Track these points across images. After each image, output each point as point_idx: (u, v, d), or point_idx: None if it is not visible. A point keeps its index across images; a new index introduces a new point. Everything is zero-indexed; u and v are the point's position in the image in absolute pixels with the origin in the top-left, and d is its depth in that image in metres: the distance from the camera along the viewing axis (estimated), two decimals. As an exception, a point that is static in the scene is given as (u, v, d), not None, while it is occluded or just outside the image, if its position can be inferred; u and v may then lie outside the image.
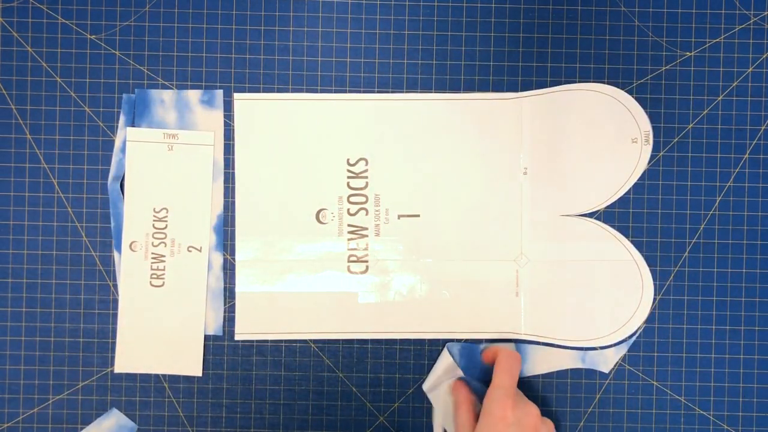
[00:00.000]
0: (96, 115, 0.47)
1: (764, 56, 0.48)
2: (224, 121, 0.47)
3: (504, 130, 0.47)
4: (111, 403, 0.47)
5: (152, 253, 0.46)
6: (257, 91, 0.47)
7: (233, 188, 0.47)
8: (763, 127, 0.48)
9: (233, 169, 0.47)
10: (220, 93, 0.47)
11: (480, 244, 0.47)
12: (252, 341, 0.47)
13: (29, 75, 0.47)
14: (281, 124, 0.47)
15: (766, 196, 0.48)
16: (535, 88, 0.47)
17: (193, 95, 0.47)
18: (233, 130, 0.47)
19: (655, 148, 0.47)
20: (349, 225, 0.47)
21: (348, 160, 0.47)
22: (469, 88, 0.47)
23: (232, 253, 0.47)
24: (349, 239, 0.47)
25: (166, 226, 0.46)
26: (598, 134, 0.47)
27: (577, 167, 0.47)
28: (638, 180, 0.47)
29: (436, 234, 0.47)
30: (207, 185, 0.46)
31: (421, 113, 0.47)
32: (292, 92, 0.47)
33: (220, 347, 0.47)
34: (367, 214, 0.47)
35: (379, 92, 0.47)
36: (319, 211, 0.47)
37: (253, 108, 0.47)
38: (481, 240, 0.47)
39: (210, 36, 0.47)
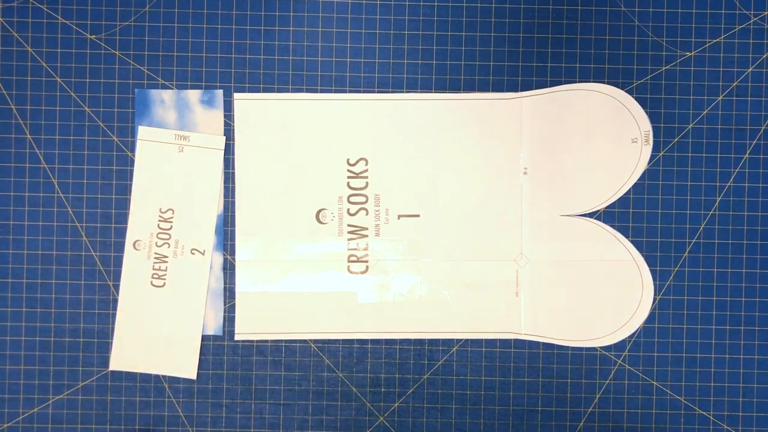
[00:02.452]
0: (96, 115, 0.47)
1: (764, 56, 0.48)
2: (224, 121, 0.47)
3: (504, 130, 0.47)
4: (111, 403, 0.47)
5: (155, 253, 0.46)
6: (257, 91, 0.47)
7: (233, 188, 0.47)
8: (763, 127, 0.48)
9: (233, 169, 0.47)
10: (220, 93, 0.47)
11: (480, 244, 0.47)
12: (252, 341, 0.47)
13: (29, 75, 0.47)
14: (281, 124, 0.47)
15: (766, 196, 0.48)
16: (535, 88, 0.47)
17: (193, 95, 0.47)
18: (233, 130, 0.47)
19: (655, 148, 0.47)
20: (349, 225, 0.47)
21: (348, 160, 0.47)
22: (469, 88, 0.47)
23: (232, 253, 0.47)
24: (349, 239, 0.47)
25: (171, 227, 0.46)
26: (598, 134, 0.47)
27: (577, 167, 0.47)
28: (638, 180, 0.47)
29: (436, 234, 0.47)
30: (215, 189, 0.46)
31: (421, 113, 0.47)
32: (292, 92, 0.47)
33: (220, 347, 0.47)
34: (367, 214, 0.47)
35: (379, 92, 0.47)
36: (319, 211, 0.47)
37: (253, 108, 0.47)
38: (481, 240, 0.47)
39: (210, 36, 0.47)
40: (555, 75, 0.47)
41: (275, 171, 0.47)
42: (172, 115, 0.47)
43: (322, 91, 0.47)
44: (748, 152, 0.48)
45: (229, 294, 0.47)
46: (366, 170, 0.47)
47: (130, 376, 0.47)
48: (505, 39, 0.48)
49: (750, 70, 0.48)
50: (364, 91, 0.47)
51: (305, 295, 0.47)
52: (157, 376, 0.47)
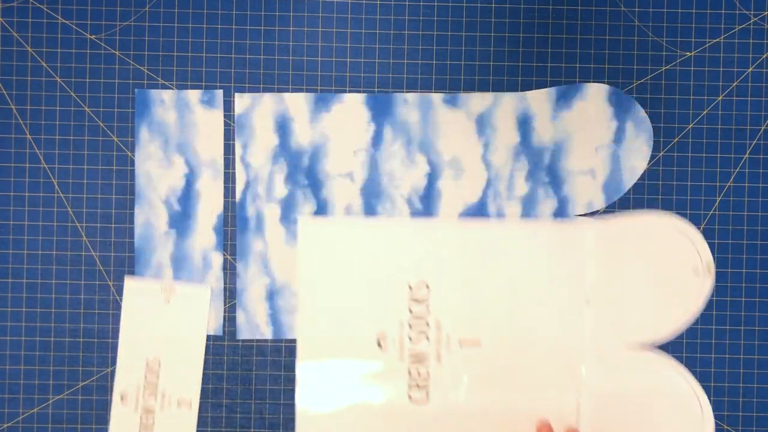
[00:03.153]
0: (96, 115, 0.47)
1: (764, 56, 0.48)
2: (224, 121, 0.47)
3: (567, 259, 0.46)
4: (111, 403, 0.47)
5: (142, 406, 0.46)
6: (257, 90, 0.47)
7: (233, 188, 0.47)
8: (763, 127, 0.48)
9: (233, 169, 0.47)
10: (220, 93, 0.47)
11: (541, 374, 0.46)
12: (252, 341, 0.47)
13: (29, 75, 0.47)
14: (344, 247, 0.47)
15: (766, 196, 0.48)
16: (536, 88, 0.47)
17: (193, 95, 0.47)
18: (233, 131, 0.47)
19: (655, 148, 0.47)
20: (409, 351, 0.46)
21: (409, 284, 0.47)
22: (469, 88, 0.47)
23: (233, 253, 0.47)
24: (409, 366, 0.46)
25: (157, 378, 0.46)
26: (660, 264, 0.46)
27: (639, 297, 0.46)
28: (638, 180, 0.47)
29: (498, 362, 0.46)
30: (201, 339, 0.47)
31: (483, 238, 0.47)
32: (293, 90, 0.47)
33: (220, 347, 0.47)
34: (428, 340, 0.46)
35: (442, 218, 0.47)
36: (379, 336, 0.46)
37: (317, 229, 0.47)
38: (543, 369, 0.46)
39: (210, 36, 0.47)
40: (555, 75, 0.47)
41: (337, 294, 0.46)
42: (172, 115, 0.47)
43: (322, 91, 0.47)
44: (748, 152, 0.48)
45: (229, 294, 0.47)
46: (427, 295, 0.46)
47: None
48: (505, 39, 0.48)
49: (750, 70, 0.48)
50: (365, 91, 0.47)
51: (364, 421, 0.46)
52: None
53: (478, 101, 0.47)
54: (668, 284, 0.46)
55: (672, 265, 0.46)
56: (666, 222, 0.46)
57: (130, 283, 0.46)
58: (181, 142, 0.47)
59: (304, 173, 0.47)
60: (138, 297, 0.46)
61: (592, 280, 0.46)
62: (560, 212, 0.47)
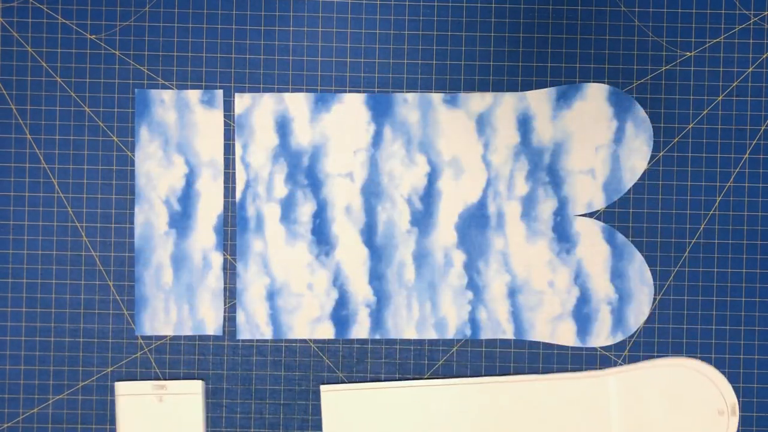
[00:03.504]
0: (96, 115, 0.47)
1: (764, 56, 0.48)
2: (224, 121, 0.47)
3: (592, 407, 0.46)
4: (111, 403, 0.47)
5: None
6: (257, 90, 0.47)
7: (233, 188, 0.47)
8: (763, 127, 0.48)
9: (233, 169, 0.47)
10: (220, 93, 0.47)
11: None
12: (252, 341, 0.47)
13: (29, 75, 0.47)
14: (367, 414, 0.46)
15: (766, 196, 0.48)
16: (536, 88, 0.47)
17: (193, 95, 0.47)
18: (233, 130, 0.47)
19: (655, 148, 0.47)
20: None
21: None
22: (469, 88, 0.47)
23: (232, 252, 0.47)
24: None
25: None
26: (685, 407, 0.46)
27: None
28: (638, 180, 0.47)
29: None
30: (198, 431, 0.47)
31: (507, 395, 0.46)
32: (293, 90, 0.47)
33: (220, 347, 0.47)
34: None
35: (465, 377, 0.47)
36: None
37: (339, 399, 0.46)
38: None
39: (210, 36, 0.47)
40: (555, 75, 0.47)
41: None
42: (172, 115, 0.47)
43: (322, 91, 0.47)
44: (748, 152, 0.48)
45: (229, 294, 0.47)
46: None
47: (130, 375, 0.47)
48: (505, 39, 0.48)
49: (750, 70, 0.48)
50: (365, 91, 0.47)
51: None
52: (156, 375, 0.47)
53: (478, 101, 0.47)
54: (693, 427, 0.46)
55: (696, 408, 0.46)
56: (688, 366, 0.46)
57: (120, 387, 0.46)
58: (181, 142, 0.47)
59: (304, 173, 0.47)
60: (130, 399, 0.46)
61: (617, 425, 0.46)
62: (560, 212, 0.47)
